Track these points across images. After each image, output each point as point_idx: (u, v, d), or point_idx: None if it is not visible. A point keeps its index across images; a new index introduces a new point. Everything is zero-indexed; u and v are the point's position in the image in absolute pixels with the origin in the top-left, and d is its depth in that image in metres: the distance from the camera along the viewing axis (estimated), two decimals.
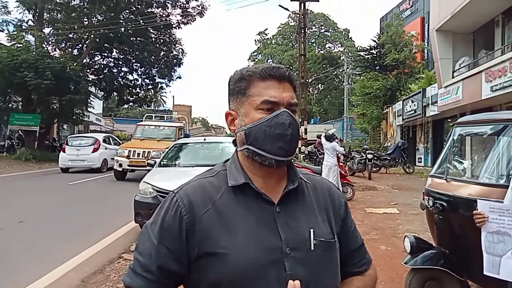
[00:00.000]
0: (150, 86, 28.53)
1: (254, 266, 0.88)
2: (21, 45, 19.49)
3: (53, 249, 5.21)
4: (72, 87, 20.23)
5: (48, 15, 23.82)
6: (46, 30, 23.78)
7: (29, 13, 22.80)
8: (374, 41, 25.10)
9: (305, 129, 18.92)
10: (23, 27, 22.63)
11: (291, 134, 0.92)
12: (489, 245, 2.17)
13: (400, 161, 16.54)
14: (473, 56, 14.58)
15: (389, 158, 16.33)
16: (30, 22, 23.17)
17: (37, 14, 22.51)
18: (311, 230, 0.95)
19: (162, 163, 7.34)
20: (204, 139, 8.24)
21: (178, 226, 0.93)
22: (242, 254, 0.89)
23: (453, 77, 14.24)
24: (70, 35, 23.70)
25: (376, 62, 24.52)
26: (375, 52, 24.87)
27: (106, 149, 16.29)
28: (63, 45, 24.82)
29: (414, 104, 18.45)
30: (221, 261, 0.89)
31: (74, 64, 20.33)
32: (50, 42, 24.11)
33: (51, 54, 21.84)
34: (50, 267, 4.30)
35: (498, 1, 12.00)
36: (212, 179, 1.00)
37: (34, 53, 19.07)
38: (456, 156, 3.75)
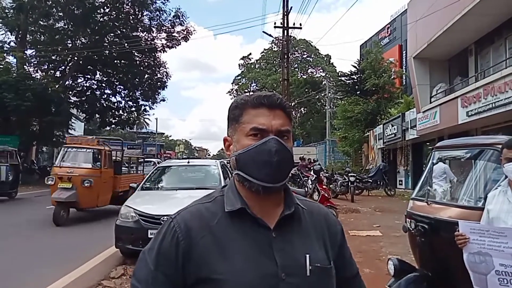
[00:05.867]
0: (133, 109, 28.38)
1: None
2: (1, 66, 19.23)
3: (27, 278, 5.00)
4: (53, 109, 19.93)
5: (31, 37, 23.69)
6: (29, 52, 23.61)
7: (11, 34, 22.66)
8: (355, 67, 25.85)
9: None
10: (5, 49, 22.40)
11: (277, 161, 0.93)
12: (472, 265, 2.21)
13: (381, 183, 16.72)
14: (449, 82, 15.17)
15: (371, 181, 16.49)
16: (12, 44, 22.97)
17: (19, 36, 22.37)
18: (307, 256, 0.95)
19: (144, 186, 7.17)
20: (188, 162, 8.17)
21: (175, 252, 0.92)
22: (238, 280, 0.89)
23: (430, 102, 14.72)
24: (53, 57, 23.55)
25: (356, 87, 25.16)
26: (355, 78, 25.55)
27: None
28: (46, 67, 24.63)
29: (394, 128, 18.89)
30: (217, 287, 0.89)
31: (56, 86, 20.14)
32: (32, 64, 23.89)
33: (32, 75, 21.63)
34: None
35: (470, 32, 12.64)
36: (209, 205, 1.00)
37: (15, 74, 18.81)
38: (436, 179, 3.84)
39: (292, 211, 0.99)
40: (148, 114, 38.73)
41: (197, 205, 1.01)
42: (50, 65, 24.65)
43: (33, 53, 23.98)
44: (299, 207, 1.03)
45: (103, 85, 27.03)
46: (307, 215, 1.04)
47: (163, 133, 73.40)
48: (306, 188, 12.96)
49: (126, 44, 23.89)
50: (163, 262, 0.93)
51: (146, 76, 27.11)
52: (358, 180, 15.76)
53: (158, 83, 27.69)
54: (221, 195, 1.02)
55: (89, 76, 26.66)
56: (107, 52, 24.19)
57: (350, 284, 1.08)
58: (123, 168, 11.88)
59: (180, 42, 25.92)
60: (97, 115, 27.17)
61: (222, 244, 0.93)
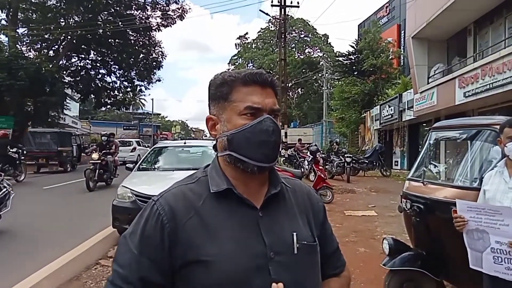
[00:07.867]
0: (128, 89, 28.04)
1: (239, 272, 0.87)
2: None
3: (26, 256, 5.04)
4: (48, 89, 19.68)
5: (22, 15, 23.11)
6: (20, 30, 23.09)
7: (1, 12, 22.09)
8: (353, 47, 25.55)
9: (285, 133, 18.97)
10: None
11: (274, 141, 0.92)
12: (470, 241, 2.27)
13: (377, 164, 16.83)
14: (447, 63, 15.06)
15: (367, 162, 16.61)
16: (3, 22, 22.45)
17: (10, 14, 21.81)
18: (294, 234, 0.95)
19: (141, 166, 7.19)
20: (184, 143, 8.16)
21: (160, 236, 0.90)
22: (227, 260, 0.88)
23: (428, 83, 14.64)
24: (46, 36, 23.05)
25: (354, 67, 24.95)
26: (353, 58, 25.29)
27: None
28: (38, 46, 24.15)
29: (391, 109, 18.86)
30: (206, 269, 0.87)
31: (50, 66, 19.81)
32: (24, 43, 23.40)
33: (25, 55, 21.22)
34: (23, 275, 4.13)
35: (469, 11, 12.47)
36: (193, 186, 0.97)
37: (7, 53, 18.47)
38: (432, 159, 3.85)
39: (277, 190, 0.98)
40: (144, 95, 38.20)
41: (180, 186, 0.98)
42: (43, 44, 24.14)
43: (25, 32, 23.46)
44: (283, 185, 1.02)
45: (98, 64, 26.58)
46: (291, 193, 1.04)
47: (159, 114, 73.00)
48: (302, 169, 13.04)
49: (120, 23, 23.39)
50: (147, 246, 0.89)
51: (141, 55, 26.66)
52: (354, 161, 15.85)
53: (154, 63, 27.27)
54: (205, 175, 0.99)
55: (83, 56, 26.18)
56: (101, 31, 23.70)
57: (332, 258, 1.11)
58: None
59: (175, 21, 25.39)
60: (92, 95, 26.83)
61: (209, 225, 0.91)
